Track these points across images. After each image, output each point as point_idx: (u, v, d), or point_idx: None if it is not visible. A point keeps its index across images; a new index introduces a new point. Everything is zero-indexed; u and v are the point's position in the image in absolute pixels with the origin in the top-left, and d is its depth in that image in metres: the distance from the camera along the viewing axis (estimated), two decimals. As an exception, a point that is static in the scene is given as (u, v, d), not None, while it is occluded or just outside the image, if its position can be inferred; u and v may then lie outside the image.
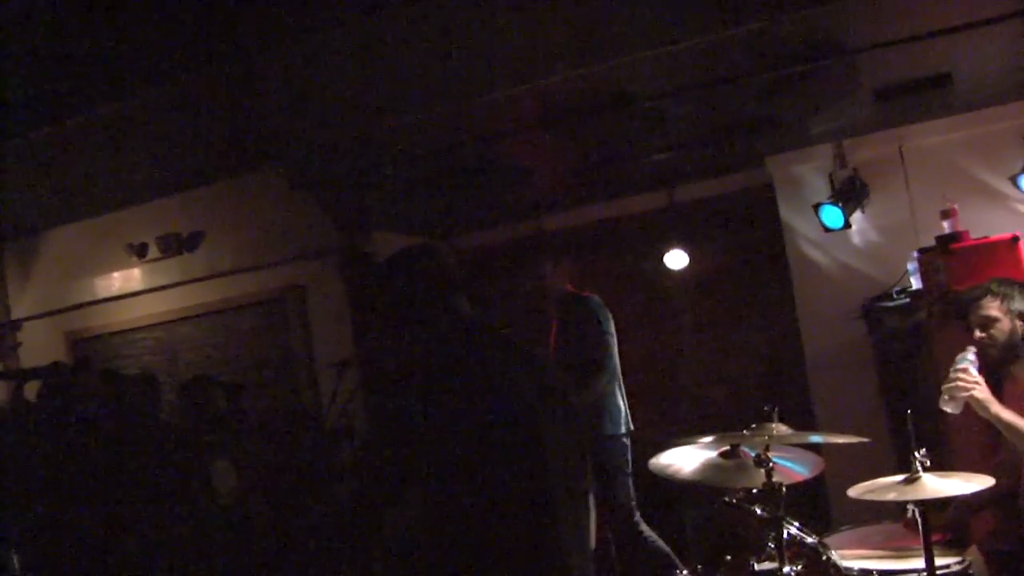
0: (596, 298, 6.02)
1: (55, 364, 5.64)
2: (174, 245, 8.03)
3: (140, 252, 8.14)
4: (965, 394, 3.87)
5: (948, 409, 3.93)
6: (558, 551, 2.68)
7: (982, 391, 3.88)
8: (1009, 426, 3.86)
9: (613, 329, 5.90)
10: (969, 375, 3.89)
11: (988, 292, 4.13)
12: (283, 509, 5.94)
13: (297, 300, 7.72)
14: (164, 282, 8.17)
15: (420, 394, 2.71)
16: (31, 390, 5.70)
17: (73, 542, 4.04)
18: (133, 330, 8.50)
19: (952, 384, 3.90)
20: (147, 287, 8.26)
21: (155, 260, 8.13)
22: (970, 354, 3.98)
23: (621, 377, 5.91)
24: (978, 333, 4.09)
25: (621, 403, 5.89)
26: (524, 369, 2.87)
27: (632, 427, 5.89)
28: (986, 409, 3.86)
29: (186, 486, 5.43)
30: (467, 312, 2.93)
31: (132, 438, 5.71)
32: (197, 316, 8.21)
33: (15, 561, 4.05)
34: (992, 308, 4.08)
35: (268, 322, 7.94)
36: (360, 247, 7.18)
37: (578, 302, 6.00)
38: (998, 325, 4.06)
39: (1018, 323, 4.06)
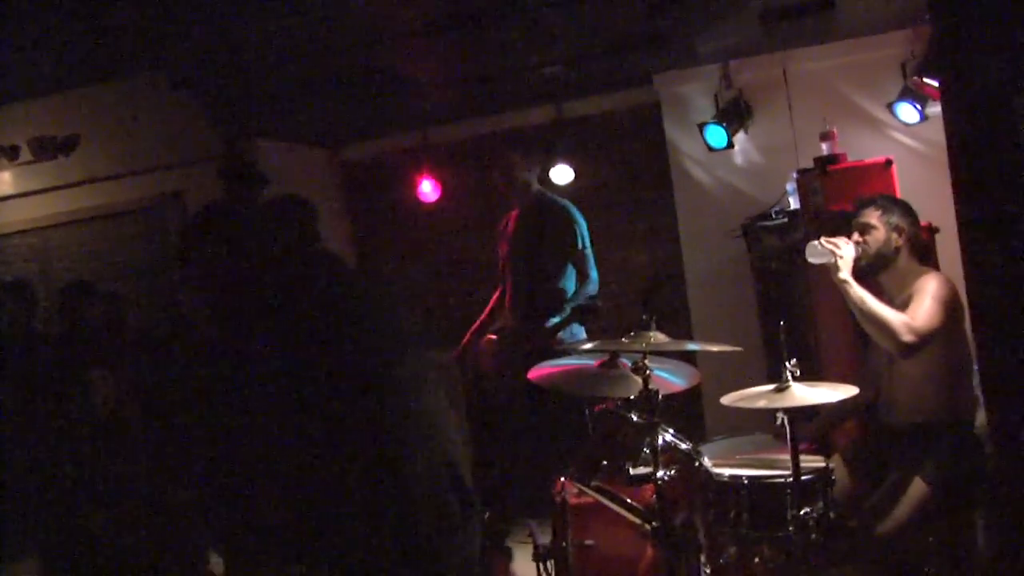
0: (571, 205, 5.94)
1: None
2: (48, 148, 7.73)
3: (11, 155, 7.83)
4: (832, 249, 4.12)
5: (808, 256, 4.19)
6: (400, 475, 2.66)
7: (846, 257, 4.12)
8: (857, 301, 4.07)
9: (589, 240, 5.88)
10: (845, 245, 4.16)
11: (872, 203, 4.33)
12: (158, 418, 5.87)
13: (176, 207, 7.55)
14: (37, 186, 7.89)
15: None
16: None
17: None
18: (4, 236, 8.22)
19: (828, 240, 4.15)
20: (19, 191, 7.97)
21: (27, 163, 7.82)
22: (853, 244, 4.22)
23: None
24: (856, 236, 4.27)
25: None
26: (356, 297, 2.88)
27: None
28: (837, 273, 4.10)
29: (61, 396, 5.33)
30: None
31: (6, 346, 5.57)
32: (73, 222, 7.98)
33: None
34: (872, 217, 4.26)
35: (146, 229, 7.76)
36: (241, 154, 7.04)
37: (555, 208, 5.91)
38: (874, 233, 4.24)
39: (893, 235, 4.23)
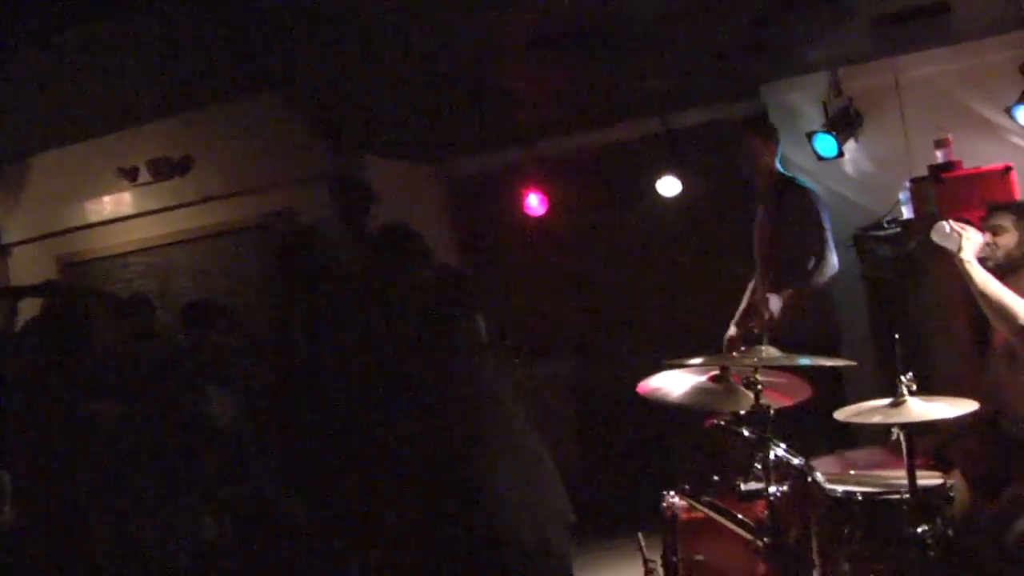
0: (811, 187, 5.97)
1: (49, 282, 5.58)
2: (165, 169, 7.99)
3: (131, 176, 8.09)
4: (959, 230, 4.09)
5: (934, 236, 4.17)
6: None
7: (972, 240, 4.09)
8: (979, 283, 4.03)
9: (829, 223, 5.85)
10: (973, 230, 4.13)
11: (1008, 208, 4.34)
12: (274, 434, 5.98)
13: (289, 225, 7.70)
14: (156, 206, 8.14)
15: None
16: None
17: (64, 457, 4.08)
18: (125, 254, 8.49)
19: (957, 224, 4.13)
20: (138, 211, 8.23)
21: (146, 184, 8.09)
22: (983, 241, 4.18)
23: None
24: (987, 236, 4.21)
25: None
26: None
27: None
28: (960, 253, 4.06)
29: (178, 411, 5.46)
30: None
31: (131, 360, 5.73)
32: (190, 240, 8.21)
33: (5, 480, 4.07)
34: (1005, 219, 4.24)
35: (260, 247, 7.94)
36: (353, 172, 7.15)
37: (795, 189, 5.91)
38: (1005, 235, 4.21)
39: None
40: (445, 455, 2.71)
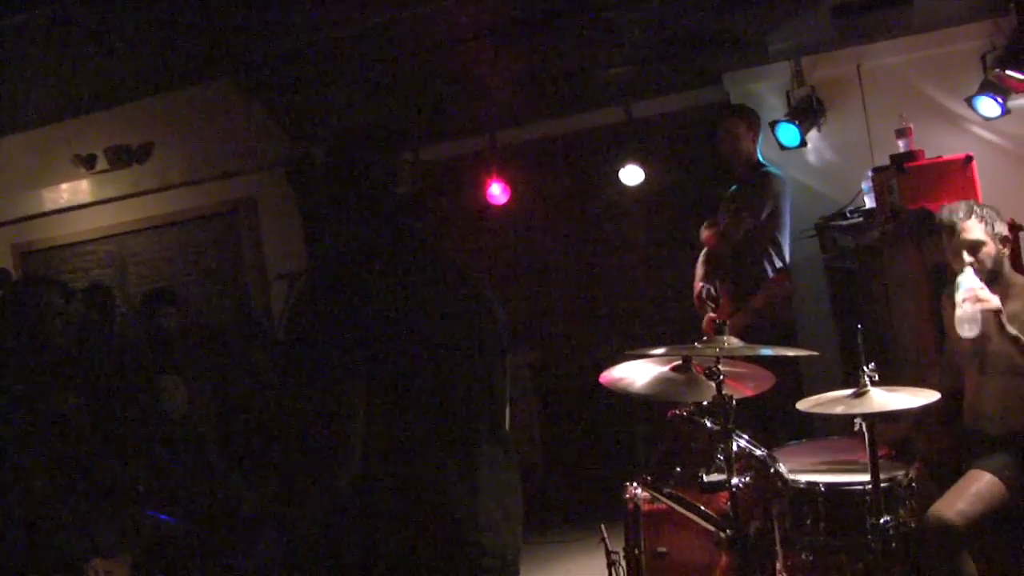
0: (777, 173, 6.00)
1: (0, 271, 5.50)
2: (123, 157, 7.90)
3: (88, 164, 7.99)
4: (987, 307, 3.76)
5: (968, 333, 3.81)
6: (463, 489, 2.57)
7: (995, 302, 3.78)
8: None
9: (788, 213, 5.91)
10: (986, 291, 3.79)
11: (971, 213, 3.99)
12: (231, 424, 5.94)
13: (248, 212, 7.65)
14: (113, 194, 8.06)
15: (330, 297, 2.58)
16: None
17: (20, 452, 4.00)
18: (82, 243, 8.41)
19: (975, 305, 3.77)
20: (96, 199, 8.14)
21: (104, 172, 8.00)
22: (974, 273, 3.87)
23: None
24: (967, 257, 3.92)
25: None
26: (452, 293, 2.81)
27: None
28: (1005, 331, 3.78)
29: (133, 401, 5.39)
30: (405, 220, 2.80)
31: (85, 350, 5.65)
32: (148, 228, 8.15)
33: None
34: (979, 231, 3.95)
35: (219, 234, 7.88)
36: (312, 158, 7.08)
37: (759, 174, 5.98)
38: (985, 249, 3.95)
39: (999, 247, 3.98)
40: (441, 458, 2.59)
